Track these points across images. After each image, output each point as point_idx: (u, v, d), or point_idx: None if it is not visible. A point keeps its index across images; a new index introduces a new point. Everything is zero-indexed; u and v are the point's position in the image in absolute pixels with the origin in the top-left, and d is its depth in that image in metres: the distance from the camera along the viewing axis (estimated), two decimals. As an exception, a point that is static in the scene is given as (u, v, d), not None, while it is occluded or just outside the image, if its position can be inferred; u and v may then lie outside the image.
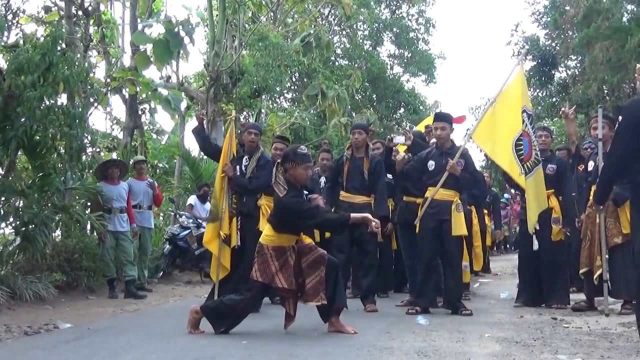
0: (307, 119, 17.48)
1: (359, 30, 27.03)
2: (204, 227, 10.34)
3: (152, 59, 12.85)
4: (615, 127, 6.85)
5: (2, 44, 9.24)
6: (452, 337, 5.15)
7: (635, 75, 5.14)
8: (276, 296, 7.69)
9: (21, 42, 8.75)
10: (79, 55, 10.18)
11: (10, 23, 9.32)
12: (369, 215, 5.38)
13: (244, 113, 17.46)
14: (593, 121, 6.93)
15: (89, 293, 8.50)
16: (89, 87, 9.07)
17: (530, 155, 6.99)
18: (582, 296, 7.27)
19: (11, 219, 7.92)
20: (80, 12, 12.39)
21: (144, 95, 14.04)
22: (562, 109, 7.42)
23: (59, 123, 7.49)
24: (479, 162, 25.12)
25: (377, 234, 7.22)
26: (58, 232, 9.04)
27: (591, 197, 6.75)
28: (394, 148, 7.42)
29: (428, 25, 27.59)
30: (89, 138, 8.63)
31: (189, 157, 14.07)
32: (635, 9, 20.66)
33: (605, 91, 21.36)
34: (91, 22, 13.08)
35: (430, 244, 6.78)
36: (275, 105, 23.12)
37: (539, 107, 26.89)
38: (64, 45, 8.86)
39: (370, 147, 7.32)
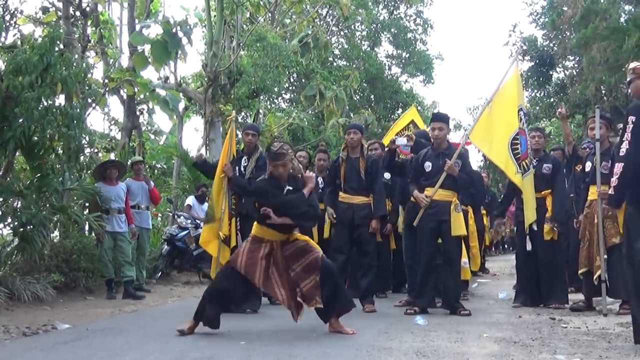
0: (305, 119, 17.44)
1: (356, 31, 27.04)
2: (202, 228, 10.36)
3: (150, 60, 12.84)
4: (611, 128, 6.91)
5: (0, 44, 9.23)
6: (450, 337, 5.15)
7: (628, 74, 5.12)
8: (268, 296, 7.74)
9: (19, 42, 8.74)
10: (76, 56, 10.19)
11: (8, 24, 9.31)
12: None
13: (242, 114, 17.46)
14: (590, 121, 6.95)
15: (87, 294, 8.49)
16: (87, 87, 9.08)
17: (527, 154, 7.01)
18: (580, 296, 7.28)
19: (9, 220, 7.91)
20: (78, 13, 12.37)
21: (142, 96, 14.03)
22: (559, 109, 7.45)
23: (57, 124, 7.48)
24: (477, 162, 25.18)
25: (376, 234, 7.25)
26: (56, 232, 9.04)
27: (589, 197, 6.78)
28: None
29: (426, 25, 27.59)
30: (87, 139, 8.64)
31: (187, 158, 14.03)
32: (632, 10, 20.70)
33: (603, 91, 21.39)
34: (89, 22, 13.05)
35: (429, 245, 6.78)
36: (273, 105, 23.11)
37: (537, 108, 26.94)
38: (61, 46, 8.86)
39: (365, 147, 7.32)
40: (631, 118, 4.67)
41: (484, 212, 11.21)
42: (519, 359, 4.27)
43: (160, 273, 10.75)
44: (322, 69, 20.07)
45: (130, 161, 10.24)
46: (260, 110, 17.30)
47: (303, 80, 21.73)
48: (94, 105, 11.77)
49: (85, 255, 8.56)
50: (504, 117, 6.93)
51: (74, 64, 7.96)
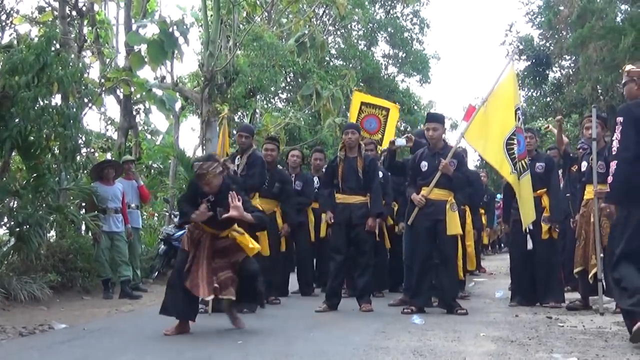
0: (301, 119, 17.47)
1: (353, 31, 27.07)
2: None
3: (146, 59, 12.83)
4: (607, 127, 6.92)
5: (-4, 44, 9.20)
6: (447, 336, 5.16)
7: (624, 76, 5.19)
8: (271, 296, 7.75)
9: (15, 42, 8.70)
10: (73, 55, 10.17)
11: (4, 23, 9.25)
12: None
13: (239, 113, 17.47)
14: (586, 121, 6.97)
15: (84, 293, 8.48)
16: (83, 87, 9.06)
17: (526, 155, 7.01)
18: (576, 295, 7.29)
19: (5, 220, 7.89)
20: (74, 13, 12.36)
21: (138, 96, 14.02)
22: (558, 117, 7.48)
23: (53, 123, 7.47)
24: (474, 161, 25.18)
25: (374, 234, 7.25)
26: (52, 232, 9.00)
27: (585, 196, 6.80)
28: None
29: (422, 25, 27.64)
30: (84, 138, 8.60)
31: (184, 158, 14.02)
32: (629, 9, 20.73)
33: (599, 91, 21.44)
34: (85, 22, 13.04)
35: (425, 244, 6.79)
36: (269, 105, 23.13)
37: (533, 107, 26.97)
38: (58, 46, 8.83)
39: (362, 146, 7.31)
40: (619, 119, 4.81)
41: (482, 211, 11.22)
42: (516, 358, 4.27)
43: (157, 273, 10.72)
44: (319, 68, 20.07)
45: (121, 160, 10.22)
46: (257, 110, 17.34)
47: (299, 80, 21.74)
48: (90, 105, 11.73)
49: (81, 255, 8.54)
50: (500, 117, 6.93)
51: (71, 63, 7.94)
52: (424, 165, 6.87)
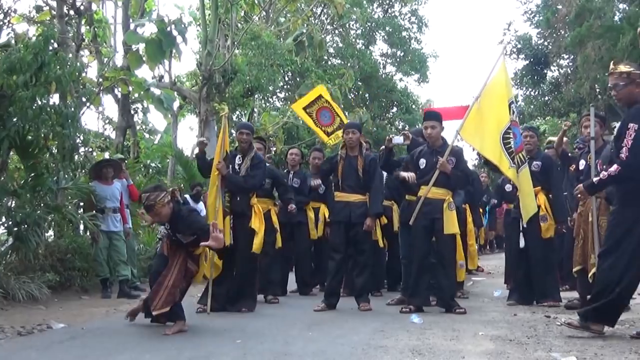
0: (300, 118, 17.44)
1: (351, 30, 27.08)
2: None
3: (144, 59, 12.85)
4: (605, 126, 6.93)
5: (-6, 43, 9.19)
6: (446, 335, 5.16)
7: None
8: (269, 295, 7.75)
9: (13, 41, 8.70)
10: (71, 54, 10.16)
11: (1, 22, 9.25)
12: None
13: (237, 112, 17.46)
14: (584, 120, 6.95)
15: (82, 293, 8.47)
16: (81, 86, 9.06)
17: (523, 147, 7.00)
18: (574, 294, 7.29)
19: (3, 219, 7.88)
20: (72, 12, 12.33)
21: (136, 95, 14.03)
22: (565, 122, 7.44)
23: (51, 123, 7.46)
24: (471, 160, 25.19)
25: (372, 233, 7.24)
26: (51, 232, 9.00)
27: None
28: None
29: (420, 24, 27.65)
30: (82, 138, 8.60)
31: (182, 157, 14.05)
32: (627, 8, 20.75)
33: (597, 90, 21.46)
34: (83, 21, 13.03)
35: (423, 243, 6.79)
36: (267, 104, 23.14)
37: (532, 106, 27.00)
38: (55, 45, 8.83)
39: (364, 145, 7.30)
40: (633, 126, 4.73)
41: (480, 211, 11.21)
42: (514, 356, 4.27)
43: (155, 272, 10.70)
44: (317, 67, 20.09)
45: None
46: (255, 109, 17.36)
47: (298, 79, 21.74)
48: (88, 104, 11.73)
49: (80, 255, 8.54)
50: (495, 112, 6.89)
51: (68, 63, 7.92)
52: (422, 162, 6.87)
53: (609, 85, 5.14)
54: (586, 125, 6.72)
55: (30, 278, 7.42)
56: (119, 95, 13.55)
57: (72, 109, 7.94)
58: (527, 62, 26.74)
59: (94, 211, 8.53)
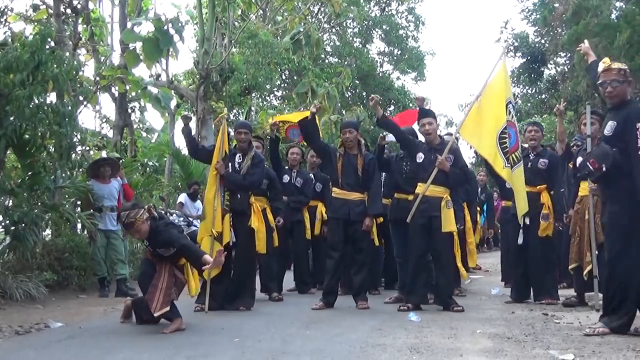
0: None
1: (348, 28, 27.06)
2: (194, 226, 10.33)
3: (141, 57, 12.83)
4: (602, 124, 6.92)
5: (-10, 42, 9.17)
6: (444, 333, 5.17)
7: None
8: (274, 293, 7.77)
9: (10, 40, 8.68)
10: (68, 53, 10.15)
11: (-2, 21, 9.25)
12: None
13: (234, 111, 17.46)
14: (583, 118, 6.96)
15: (80, 292, 8.47)
16: (79, 85, 9.05)
17: (517, 147, 7.00)
18: (571, 292, 7.30)
19: (1, 218, 7.86)
20: (69, 10, 12.31)
21: (133, 94, 14.03)
22: (557, 106, 7.43)
23: (49, 121, 7.45)
24: (469, 158, 25.21)
25: (370, 232, 7.24)
26: (48, 231, 9.00)
27: (580, 193, 6.80)
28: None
29: (418, 22, 27.65)
30: (79, 136, 8.60)
31: (179, 156, 14.03)
32: (623, 6, 20.76)
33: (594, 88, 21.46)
34: (80, 20, 13.00)
35: (420, 241, 6.78)
36: (265, 103, 23.11)
37: (529, 104, 27.04)
38: (52, 44, 8.82)
39: (362, 143, 7.26)
40: None
41: (478, 209, 11.22)
42: (512, 354, 4.28)
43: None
44: (314, 66, 20.06)
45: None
46: (252, 108, 17.32)
47: (295, 78, 21.75)
48: (85, 103, 11.72)
49: (77, 254, 8.53)
50: (494, 111, 6.91)
51: (65, 61, 7.91)
52: (420, 156, 6.86)
53: (605, 81, 5.07)
54: (584, 123, 6.73)
55: (28, 277, 7.41)
56: (116, 94, 13.53)
57: (69, 107, 7.92)
58: (524, 60, 26.75)
59: (92, 210, 8.52)
